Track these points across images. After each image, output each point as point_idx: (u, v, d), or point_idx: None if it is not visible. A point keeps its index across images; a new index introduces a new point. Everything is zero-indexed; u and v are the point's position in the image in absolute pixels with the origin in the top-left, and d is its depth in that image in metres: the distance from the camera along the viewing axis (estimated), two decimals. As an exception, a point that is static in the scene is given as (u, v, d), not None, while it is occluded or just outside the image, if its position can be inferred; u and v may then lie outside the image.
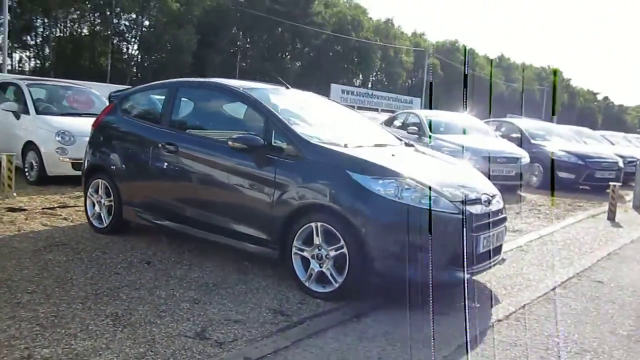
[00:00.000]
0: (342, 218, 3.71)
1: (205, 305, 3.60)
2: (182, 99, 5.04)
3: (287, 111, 4.62)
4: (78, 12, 41.23)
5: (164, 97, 5.10)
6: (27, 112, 8.42)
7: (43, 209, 6.39)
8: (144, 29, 44.66)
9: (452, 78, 62.44)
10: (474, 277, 4.41)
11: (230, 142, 4.12)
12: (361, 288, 3.75)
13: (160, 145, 4.79)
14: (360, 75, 67.07)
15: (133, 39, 45.32)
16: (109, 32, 42.50)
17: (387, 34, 62.37)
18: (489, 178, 9.57)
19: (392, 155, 4.26)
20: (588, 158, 11.59)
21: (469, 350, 3.14)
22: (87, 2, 40.06)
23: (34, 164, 8.06)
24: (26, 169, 8.21)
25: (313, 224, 3.82)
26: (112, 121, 5.47)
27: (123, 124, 5.33)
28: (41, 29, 41.30)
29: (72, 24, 42.15)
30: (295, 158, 4.01)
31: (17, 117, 8.43)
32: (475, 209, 3.89)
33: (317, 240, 3.81)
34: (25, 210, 6.24)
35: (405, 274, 3.63)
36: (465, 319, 3.56)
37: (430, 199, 3.68)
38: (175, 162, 4.69)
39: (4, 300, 3.49)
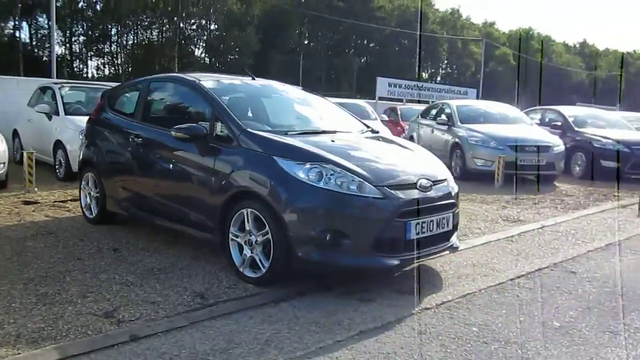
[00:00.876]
0: (266, 204, 3.73)
1: (135, 287, 3.75)
2: (152, 93, 5.25)
3: (239, 101, 4.69)
4: (148, 20, 43.35)
5: (138, 93, 5.33)
6: (57, 113, 9.02)
7: (54, 202, 6.84)
8: (209, 32, 46.26)
9: (527, 68, 59.79)
10: (427, 263, 4.32)
11: (173, 133, 4.25)
12: (286, 273, 3.76)
13: (130, 138, 5.01)
14: (430, 69, 65.90)
15: (200, 43, 47.03)
16: (178, 38, 44.39)
17: (453, 24, 60.75)
18: (517, 168, 9.45)
19: (332, 141, 4.22)
20: (635, 145, 10.75)
21: (373, 336, 3.07)
22: (156, 10, 42.03)
23: (62, 162, 8.63)
24: (56, 166, 8.80)
25: (244, 210, 3.86)
26: (98, 117, 5.78)
27: (106, 120, 5.62)
28: (115, 37, 43.82)
29: (143, 30, 44.38)
30: (231, 146, 4.08)
31: (49, 118, 9.05)
32: (406, 194, 3.77)
33: (247, 226, 3.86)
34: (37, 203, 6.71)
35: (328, 260, 3.60)
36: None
37: (353, 185, 3.62)
38: (141, 155, 4.90)
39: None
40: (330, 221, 3.58)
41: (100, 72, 44.89)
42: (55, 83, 10.19)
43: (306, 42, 50.51)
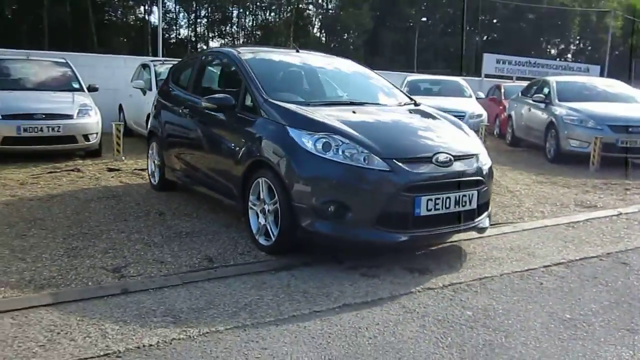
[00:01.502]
0: (276, 173, 3.75)
1: (154, 248, 3.98)
2: (202, 66, 5.45)
3: (272, 73, 4.72)
4: (267, 1, 44.75)
5: (192, 66, 5.58)
6: (150, 88, 9.70)
7: (134, 170, 7.40)
8: (325, 11, 46.68)
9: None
10: (459, 244, 4.11)
11: (203, 103, 4.39)
12: (293, 243, 3.76)
13: (180, 109, 5.28)
14: (559, 45, 61.09)
15: (316, 22, 47.68)
16: (295, 18, 45.36)
17: (587, -4, 55.53)
18: (619, 150, 8.43)
19: (353, 112, 4.11)
20: None
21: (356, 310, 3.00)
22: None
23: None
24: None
25: (259, 179, 3.92)
26: (163, 89, 6.13)
27: (168, 92, 5.95)
28: (236, 19, 45.85)
29: (262, 12, 45.93)
30: (255, 116, 4.13)
31: (144, 93, 9.76)
32: (417, 168, 3.58)
33: (262, 195, 3.91)
34: (119, 170, 7.30)
35: (331, 232, 3.54)
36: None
37: (360, 156, 3.52)
38: (187, 125, 5.14)
39: (8, 231, 4.29)
40: (334, 192, 3.51)
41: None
42: (152, 60, 10.90)
43: (423, 19, 48.97)
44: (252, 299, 3.10)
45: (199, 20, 45.40)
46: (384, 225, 3.52)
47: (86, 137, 7.95)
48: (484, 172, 3.92)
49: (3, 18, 34.00)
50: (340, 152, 3.54)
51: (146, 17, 41.70)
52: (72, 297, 3.02)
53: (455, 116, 8.74)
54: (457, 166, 3.75)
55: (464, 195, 3.73)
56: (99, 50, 29.87)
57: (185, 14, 44.54)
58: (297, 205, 3.59)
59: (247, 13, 45.71)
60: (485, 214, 4.02)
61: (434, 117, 4.44)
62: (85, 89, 8.89)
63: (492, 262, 3.90)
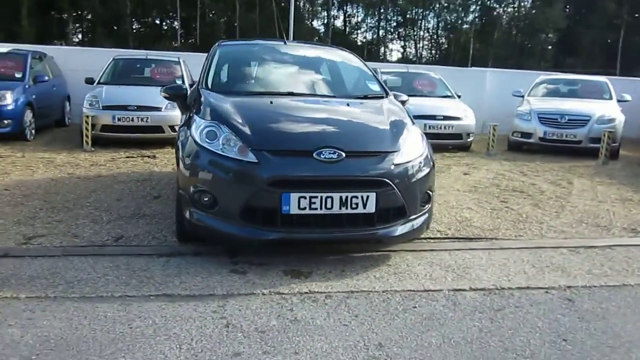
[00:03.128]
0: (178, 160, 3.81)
1: (93, 224, 4.31)
2: (209, 58, 5.65)
3: (235, 64, 4.74)
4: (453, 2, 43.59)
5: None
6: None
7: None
8: (517, 10, 43.81)
9: None
10: (397, 252, 3.75)
11: (162, 93, 4.60)
12: (184, 232, 3.74)
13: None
14: None
15: (505, 21, 44.97)
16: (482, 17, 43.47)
17: None
18: None
19: (271, 102, 3.94)
20: None
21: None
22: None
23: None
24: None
25: (180, 166, 4.01)
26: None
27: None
28: (420, 22, 45.54)
29: (447, 13, 44.83)
30: (192, 104, 4.22)
31: None
32: (289, 162, 3.33)
33: (179, 182, 3.99)
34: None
35: (206, 224, 3.47)
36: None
37: (235, 147, 3.40)
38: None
39: (43, 204, 5.02)
40: (204, 182, 3.44)
41: (404, 54, 47.29)
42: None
43: (622, 17, 42.74)
44: (93, 276, 3.23)
45: (381, 23, 46.12)
46: (249, 220, 3.34)
47: (172, 128, 8.77)
48: (393, 174, 3.44)
49: (205, 21, 38.67)
50: (219, 142, 3.45)
51: (331, 22, 43.74)
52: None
53: (579, 120, 7.67)
54: (348, 164, 3.37)
55: (354, 197, 3.33)
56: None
57: (369, 18, 45.69)
58: (181, 193, 3.60)
59: (431, 15, 45.06)
60: (400, 221, 3.53)
61: (377, 113, 4.02)
62: (187, 86, 9.73)
63: (394, 277, 3.43)
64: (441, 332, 2.71)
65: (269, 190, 3.27)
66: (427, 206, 3.76)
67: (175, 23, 39.19)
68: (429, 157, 3.84)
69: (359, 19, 46.98)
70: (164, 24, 41.79)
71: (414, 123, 4.03)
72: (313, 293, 3.14)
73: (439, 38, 45.53)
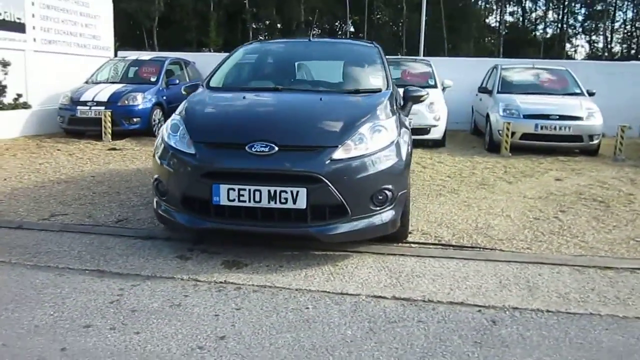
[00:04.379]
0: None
1: (118, 207, 4.86)
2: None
3: (249, 60, 4.91)
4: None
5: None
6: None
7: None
8: None
9: None
10: (361, 255, 3.67)
11: (182, 91, 4.96)
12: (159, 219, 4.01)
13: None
14: None
15: None
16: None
17: None
18: None
19: (244, 97, 4.02)
20: None
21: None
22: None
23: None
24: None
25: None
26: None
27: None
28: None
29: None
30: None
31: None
32: (223, 154, 3.41)
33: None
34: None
35: (163, 212, 3.71)
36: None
37: (183, 139, 3.59)
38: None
39: (107, 189, 5.86)
40: (161, 172, 3.69)
41: (592, 50, 42.56)
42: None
43: None
44: (62, 249, 3.69)
45: (564, 17, 42.02)
46: (188, 209, 3.50)
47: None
48: (327, 170, 3.31)
49: (373, 25, 39.24)
50: (178, 135, 3.67)
51: (503, 18, 41.21)
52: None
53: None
54: (280, 157, 3.33)
55: (283, 191, 3.29)
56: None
57: (553, 13, 41.97)
58: (153, 182, 3.90)
59: (627, 4, 39.74)
60: (341, 220, 3.38)
61: (345, 108, 3.87)
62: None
63: (325, 278, 3.30)
64: (300, 336, 2.57)
65: (201, 181, 3.39)
66: (384, 206, 3.52)
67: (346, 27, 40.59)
68: (397, 154, 3.59)
69: (539, 13, 43.48)
70: (337, 29, 43.53)
71: (395, 118, 3.81)
72: (226, 283, 3.18)
73: (636, 30, 39.94)
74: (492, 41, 42.72)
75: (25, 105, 10.09)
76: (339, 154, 3.38)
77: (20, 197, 5.13)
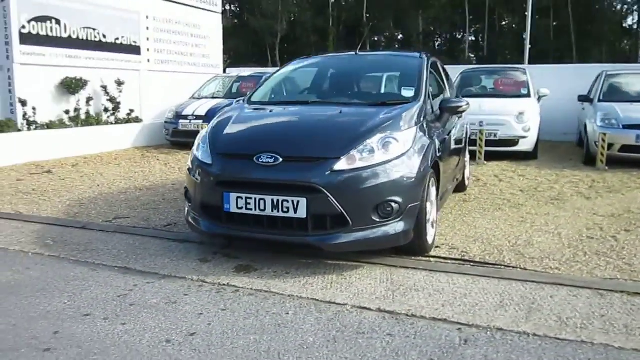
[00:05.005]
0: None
1: (175, 213, 5.32)
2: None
3: (293, 75, 5.13)
4: None
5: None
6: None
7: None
8: None
9: None
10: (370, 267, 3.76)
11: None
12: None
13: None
14: None
15: None
16: None
17: None
18: None
19: (270, 111, 4.23)
20: None
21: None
22: None
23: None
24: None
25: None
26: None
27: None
28: None
29: None
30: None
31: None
32: (235, 165, 3.63)
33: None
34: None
35: (188, 219, 4.03)
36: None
37: (203, 150, 3.89)
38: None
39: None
40: (187, 181, 4.01)
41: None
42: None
43: None
44: (107, 247, 4.15)
45: None
46: (207, 215, 3.76)
47: None
48: (328, 180, 3.38)
49: (494, 33, 37.70)
50: (204, 146, 3.97)
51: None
52: (69, 223, 4.86)
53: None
54: (283, 168, 3.48)
55: (285, 201, 3.43)
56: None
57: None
58: (184, 191, 4.21)
59: None
60: (342, 230, 3.43)
61: (361, 118, 3.90)
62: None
63: (324, 286, 3.37)
64: (263, 339, 2.67)
65: (215, 190, 3.64)
66: (390, 218, 3.50)
67: (466, 36, 39.48)
68: (408, 166, 3.58)
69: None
70: (456, 39, 42.50)
71: (415, 129, 3.82)
72: (228, 285, 3.37)
73: None
74: (627, 46, 38.94)
75: (137, 120, 11.24)
76: (341, 165, 3.44)
77: (100, 201, 5.79)
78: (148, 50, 11.81)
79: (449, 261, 3.84)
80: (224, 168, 3.67)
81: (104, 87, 10.41)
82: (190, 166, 3.98)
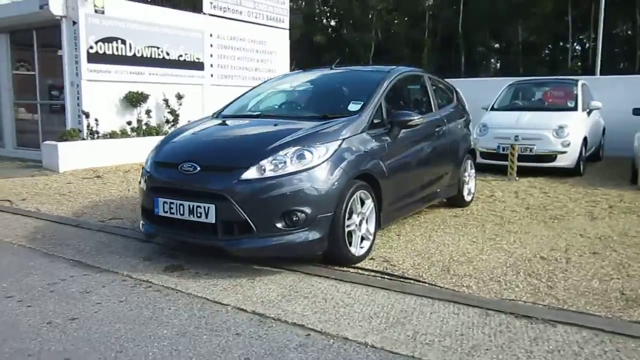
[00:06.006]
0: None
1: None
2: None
3: (268, 89, 5.39)
4: None
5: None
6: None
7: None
8: None
9: None
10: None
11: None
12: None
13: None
14: None
15: None
16: None
17: None
18: None
19: (222, 122, 4.55)
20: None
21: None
22: None
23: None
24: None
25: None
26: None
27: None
28: None
29: None
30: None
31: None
32: (164, 173, 3.99)
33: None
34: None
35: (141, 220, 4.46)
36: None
37: (150, 160, 4.30)
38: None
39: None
40: (139, 188, 4.45)
41: None
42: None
43: None
44: (77, 243, 4.68)
45: None
46: (145, 218, 4.16)
47: None
48: (234, 189, 3.63)
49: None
50: (151, 157, 4.39)
51: None
52: (92, 226, 5.52)
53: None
54: (200, 176, 3.78)
55: (199, 207, 3.72)
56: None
57: None
58: (142, 197, 4.65)
59: None
60: (246, 236, 3.66)
61: (281, 130, 4.11)
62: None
63: (237, 290, 3.62)
64: (126, 327, 2.97)
65: (149, 194, 4.03)
66: (298, 227, 3.66)
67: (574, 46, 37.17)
68: (320, 178, 3.72)
69: None
70: (560, 48, 40.16)
71: (339, 143, 3.95)
72: (146, 282, 3.71)
73: None
74: None
75: (196, 130, 12.07)
76: (249, 174, 3.66)
77: (112, 204, 6.43)
78: (211, 65, 12.66)
79: (369, 273, 3.89)
80: (156, 175, 4.05)
81: (166, 100, 11.34)
82: (141, 173, 4.40)
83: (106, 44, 10.34)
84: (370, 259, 4.21)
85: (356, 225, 4.05)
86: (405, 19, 40.78)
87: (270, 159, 3.72)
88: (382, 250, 4.46)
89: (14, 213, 5.91)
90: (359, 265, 4.05)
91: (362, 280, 3.73)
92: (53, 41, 10.39)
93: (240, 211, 3.61)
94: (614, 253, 4.38)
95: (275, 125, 4.31)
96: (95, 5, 10.04)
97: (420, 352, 2.67)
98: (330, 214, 3.76)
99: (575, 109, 9.02)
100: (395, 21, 41.08)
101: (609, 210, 6.07)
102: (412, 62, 38.03)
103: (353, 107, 4.50)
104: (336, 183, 3.79)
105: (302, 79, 5.49)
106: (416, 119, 4.53)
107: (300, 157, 3.76)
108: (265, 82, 5.58)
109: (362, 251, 4.12)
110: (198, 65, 12.32)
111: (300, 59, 38.73)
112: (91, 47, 10.09)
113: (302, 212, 3.66)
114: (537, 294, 3.47)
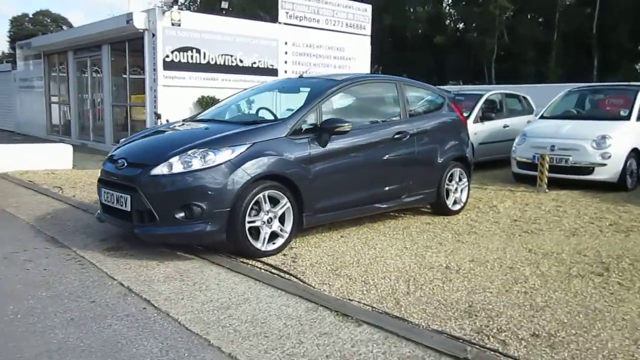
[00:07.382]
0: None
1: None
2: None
3: (244, 96, 5.88)
4: None
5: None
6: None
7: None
8: None
9: None
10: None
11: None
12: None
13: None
14: None
15: None
16: None
17: None
18: None
19: (182, 123, 5.16)
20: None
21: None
22: None
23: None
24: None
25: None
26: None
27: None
28: None
29: None
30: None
31: None
32: (109, 167, 4.70)
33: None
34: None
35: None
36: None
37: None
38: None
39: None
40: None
41: None
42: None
43: None
44: (63, 222, 5.61)
45: None
46: (100, 205, 4.92)
47: None
48: (143, 182, 4.20)
49: None
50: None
51: None
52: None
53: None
54: (126, 171, 4.42)
55: (121, 197, 4.38)
56: None
57: None
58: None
59: None
60: (152, 224, 4.21)
61: (203, 134, 4.60)
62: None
63: (129, 272, 4.22)
64: (14, 289, 3.69)
65: (98, 185, 4.78)
66: (196, 219, 4.13)
67: None
68: (219, 176, 4.16)
69: None
70: None
71: (247, 146, 4.34)
72: (81, 257, 4.41)
73: None
74: None
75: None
76: (157, 170, 4.21)
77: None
78: (285, 72, 13.43)
79: (265, 267, 4.21)
80: (103, 168, 4.78)
81: (236, 104, 12.34)
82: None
83: (181, 52, 11.57)
84: (283, 254, 4.53)
85: (264, 222, 4.40)
86: (539, 19, 38.34)
87: (178, 157, 4.24)
88: (304, 248, 4.73)
89: (53, 197, 7.08)
90: (264, 259, 4.39)
91: (247, 271, 4.09)
92: (142, 51, 11.89)
93: (146, 202, 4.18)
94: (539, 265, 4.22)
95: (206, 129, 4.83)
96: (172, 19, 11.29)
97: (208, 331, 3.02)
98: (227, 209, 4.18)
99: (627, 118, 8.25)
100: (518, 24, 38.72)
101: (606, 228, 5.66)
102: (539, 65, 35.82)
103: (286, 114, 4.86)
104: (236, 182, 4.19)
105: (268, 87, 5.93)
106: (346, 125, 4.73)
107: (205, 156, 4.23)
108: (243, 90, 6.10)
109: (273, 247, 4.46)
110: (272, 72, 13.15)
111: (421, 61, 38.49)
112: (167, 56, 11.37)
113: (199, 206, 4.13)
114: (385, 298, 3.57)
